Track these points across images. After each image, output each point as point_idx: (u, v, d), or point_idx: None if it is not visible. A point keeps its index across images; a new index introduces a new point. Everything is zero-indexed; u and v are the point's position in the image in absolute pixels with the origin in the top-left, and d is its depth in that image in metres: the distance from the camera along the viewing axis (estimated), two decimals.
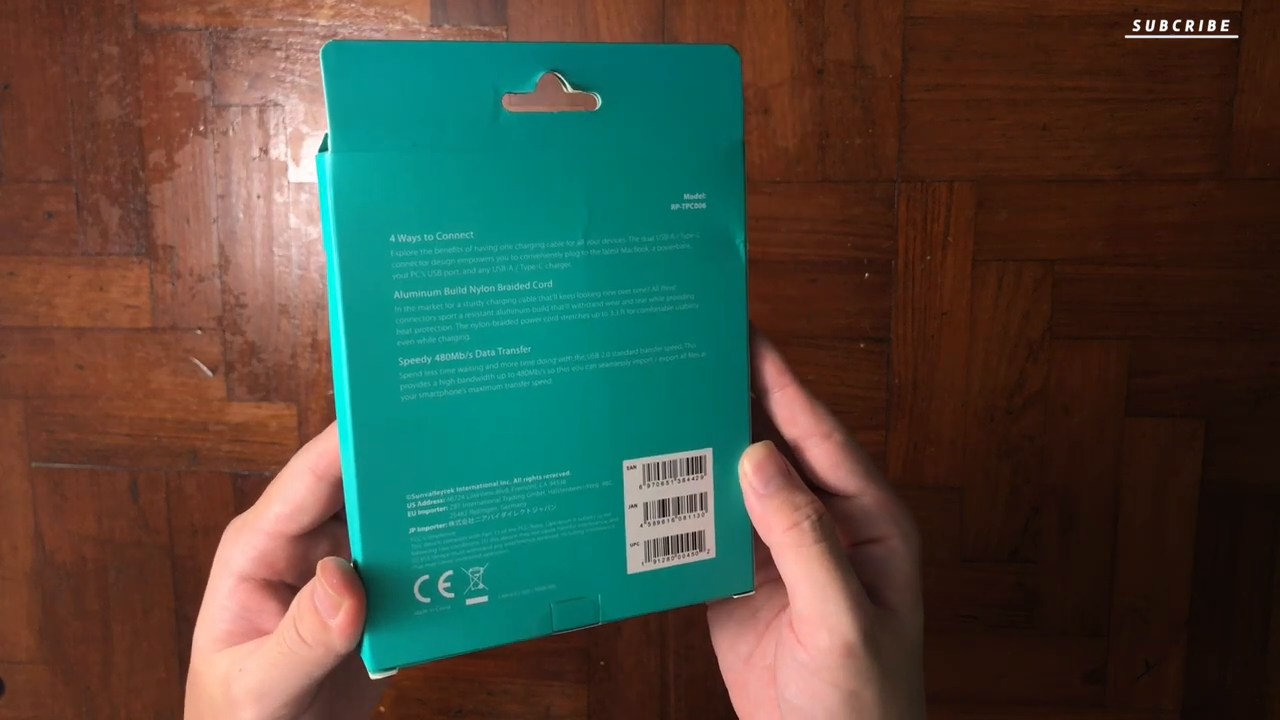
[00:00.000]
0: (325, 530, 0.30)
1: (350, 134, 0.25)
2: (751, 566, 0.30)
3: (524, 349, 0.27)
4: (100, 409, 0.69)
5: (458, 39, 0.64)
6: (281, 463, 0.68)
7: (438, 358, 0.26)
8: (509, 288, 0.27)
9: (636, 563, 0.29)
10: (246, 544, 0.29)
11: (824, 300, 0.64)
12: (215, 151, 0.66)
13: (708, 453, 0.29)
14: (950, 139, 0.62)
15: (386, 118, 0.25)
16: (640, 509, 0.29)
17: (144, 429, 0.69)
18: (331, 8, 0.64)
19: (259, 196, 0.66)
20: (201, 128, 0.66)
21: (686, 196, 0.28)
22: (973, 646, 0.67)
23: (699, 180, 0.29)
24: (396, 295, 0.26)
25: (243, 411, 0.68)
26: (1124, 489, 0.65)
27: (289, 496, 0.28)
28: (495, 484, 0.27)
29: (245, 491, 0.69)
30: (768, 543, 0.28)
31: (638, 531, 0.29)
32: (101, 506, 0.70)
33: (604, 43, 0.27)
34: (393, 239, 0.25)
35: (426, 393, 0.26)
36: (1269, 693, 0.67)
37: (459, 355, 0.26)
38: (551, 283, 0.27)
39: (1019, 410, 0.65)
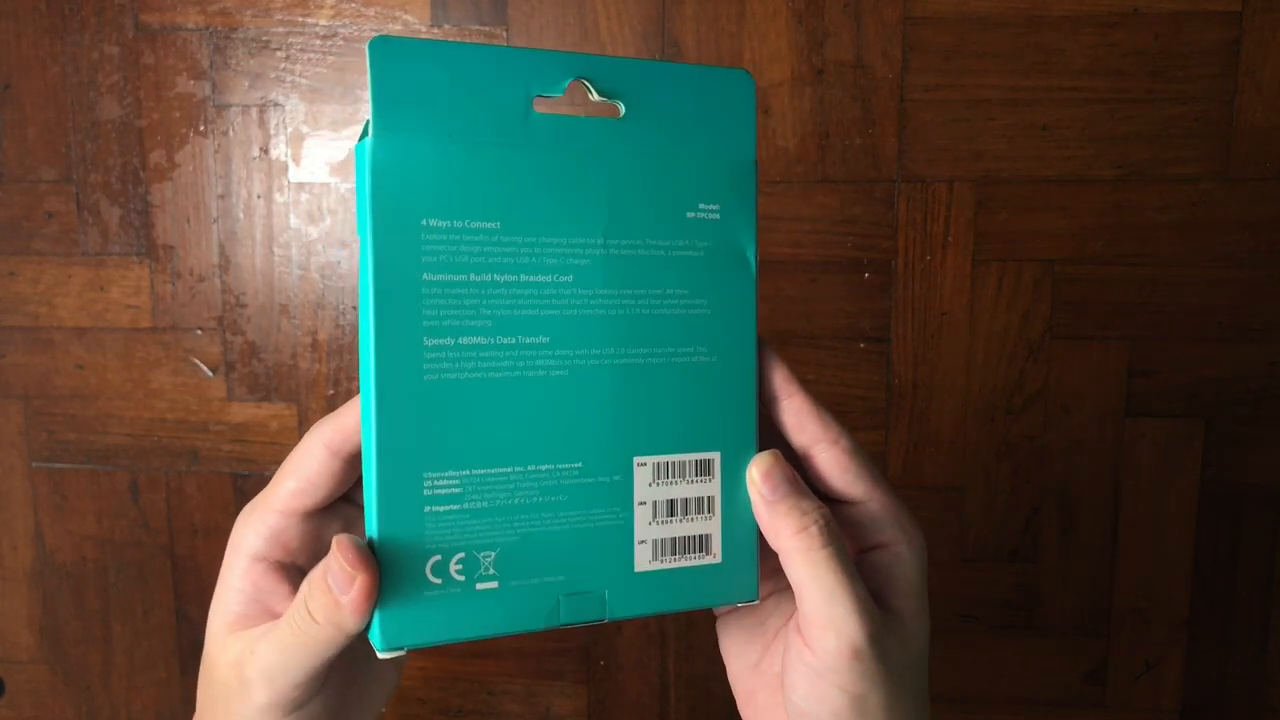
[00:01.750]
0: (337, 511, 0.30)
1: (390, 121, 0.26)
2: (756, 575, 0.30)
3: (543, 339, 0.28)
4: (100, 409, 0.69)
5: (458, 39, 0.64)
6: (281, 462, 0.68)
7: (461, 340, 0.27)
8: (531, 278, 0.28)
9: (644, 561, 0.29)
10: (260, 523, 0.29)
11: (824, 300, 0.64)
12: (215, 151, 0.66)
13: (716, 456, 0.30)
14: (950, 139, 0.62)
15: (424, 109, 0.26)
16: (649, 507, 0.29)
17: (144, 429, 0.69)
18: (332, 8, 0.64)
19: (259, 196, 0.66)
20: (202, 128, 0.66)
21: (701, 206, 0.30)
22: (973, 646, 0.67)
23: (713, 192, 0.30)
24: (425, 277, 0.27)
25: (243, 411, 0.68)
26: (1124, 489, 0.65)
27: (302, 472, 0.28)
28: (510, 469, 0.28)
29: (245, 491, 0.69)
30: (775, 548, 0.28)
31: (646, 529, 0.29)
32: (101, 506, 0.70)
33: (629, 57, 0.29)
34: (424, 222, 0.27)
35: (448, 373, 0.27)
36: (1269, 693, 0.67)
37: (481, 339, 0.27)
38: (572, 277, 0.28)
39: (1019, 410, 0.65)
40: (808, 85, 0.63)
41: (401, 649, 0.27)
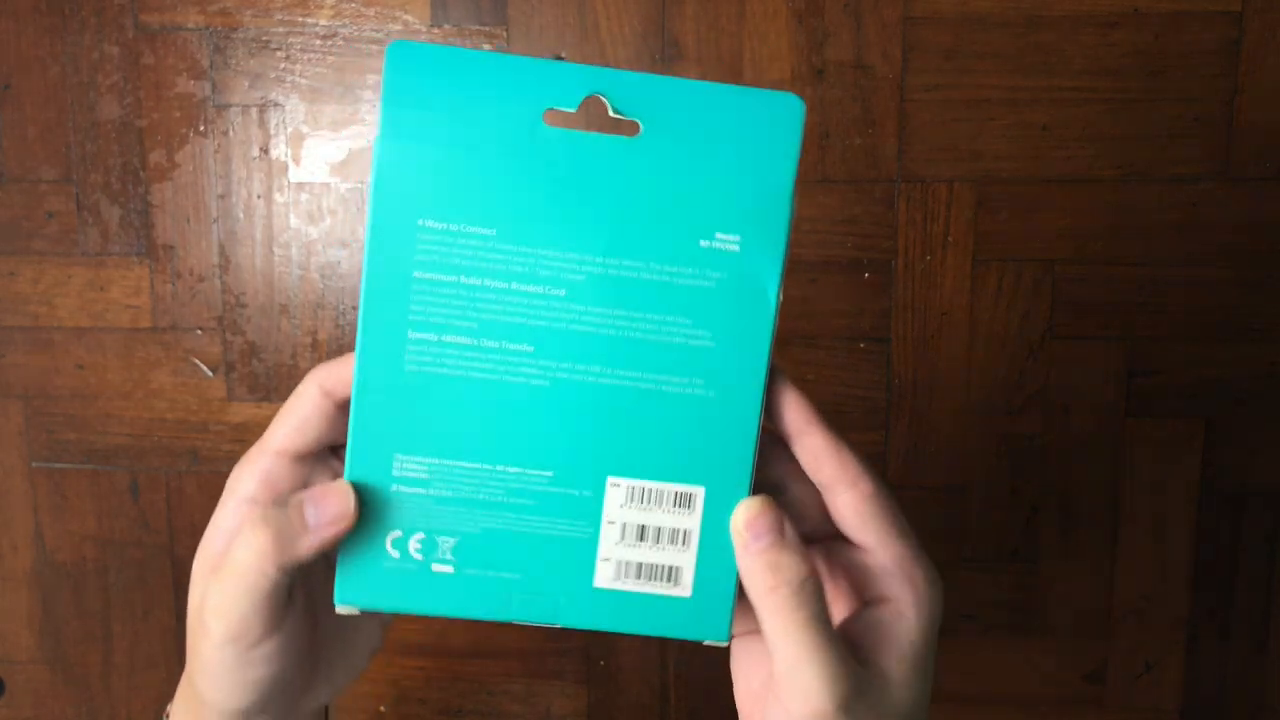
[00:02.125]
0: (326, 464, 0.30)
1: (397, 123, 0.27)
2: (729, 617, 0.30)
3: (528, 348, 0.28)
4: (100, 409, 0.69)
5: (457, 39, 0.64)
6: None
7: (445, 338, 0.28)
8: (523, 288, 0.28)
9: (605, 578, 0.30)
10: (255, 466, 0.29)
11: (824, 300, 0.64)
12: (215, 151, 0.66)
13: (699, 492, 0.29)
14: (950, 139, 0.62)
15: (433, 114, 0.27)
16: (618, 527, 0.29)
17: (144, 429, 0.69)
18: (332, 8, 0.64)
19: (259, 196, 0.66)
20: (202, 128, 0.66)
21: (719, 236, 0.28)
22: (973, 646, 0.67)
23: (735, 222, 0.28)
24: (416, 274, 0.28)
25: (243, 411, 0.68)
26: (1124, 489, 0.65)
27: (297, 412, 0.29)
28: (478, 465, 0.29)
29: None
30: (751, 599, 0.28)
31: (611, 548, 0.29)
32: (101, 506, 0.70)
33: (653, 74, 0.28)
34: (420, 223, 0.28)
35: (429, 367, 0.28)
36: (1269, 693, 0.67)
37: (465, 340, 0.28)
38: (564, 291, 0.28)
39: (1019, 410, 0.65)
40: (808, 85, 0.63)
41: (355, 608, 0.29)
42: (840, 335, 0.65)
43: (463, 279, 0.28)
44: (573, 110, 0.28)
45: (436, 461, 0.29)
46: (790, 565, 0.27)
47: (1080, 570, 0.66)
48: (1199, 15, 0.60)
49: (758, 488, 0.30)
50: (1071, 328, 0.64)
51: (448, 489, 0.29)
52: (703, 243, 0.28)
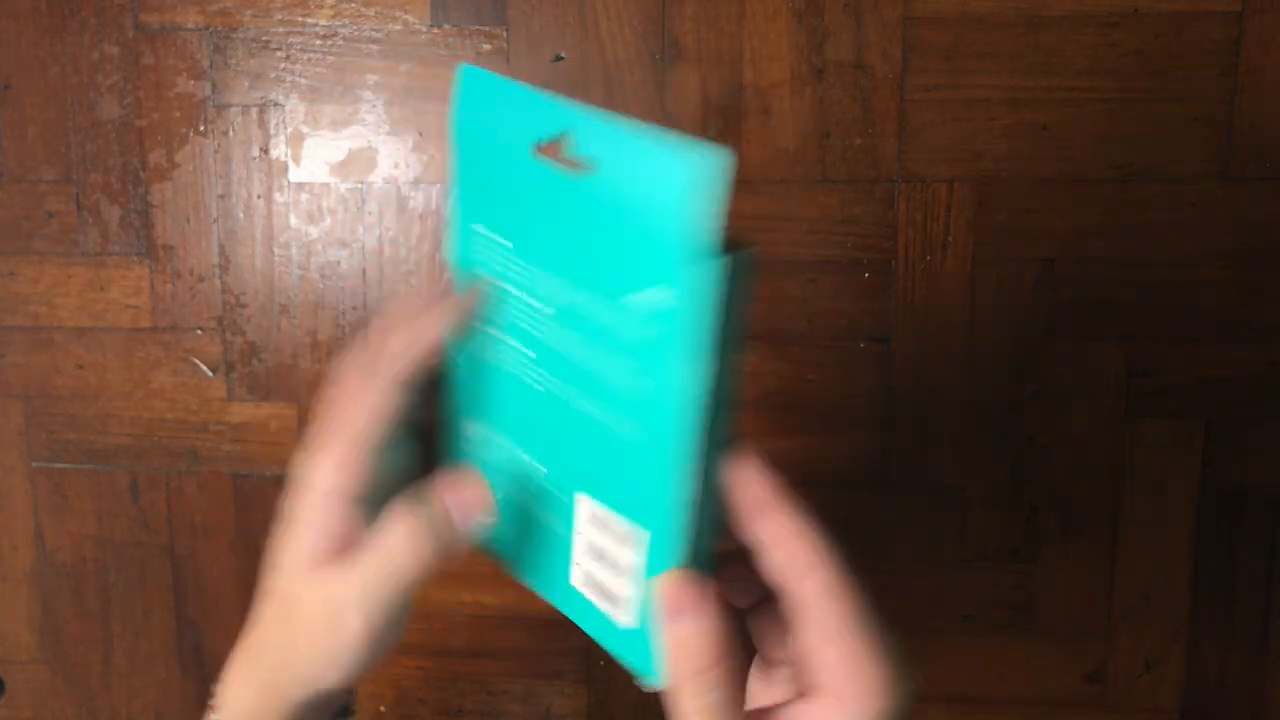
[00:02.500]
0: (397, 444, 0.32)
1: (462, 138, 0.31)
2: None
3: (531, 354, 0.31)
4: (100, 409, 0.69)
5: (457, 39, 0.64)
6: (282, 462, 0.68)
7: (488, 329, 0.32)
8: (529, 300, 0.30)
9: (576, 579, 0.31)
10: (333, 457, 0.30)
11: (824, 300, 0.64)
12: (215, 151, 0.66)
13: (644, 535, 0.28)
14: (950, 139, 0.62)
15: (482, 134, 0.31)
16: (584, 539, 0.31)
17: (144, 429, 0.69)
18: (331, 8, 0.64)
19: (259, 196, 0.66)
20: (201, 128, 0.66)
21: (653, 290, 0.26)
22: (973, 646, 0.67)
23: (667, 279, 0.25)
24: (475, 270, 0.32)
25: (243, 411, 0.68)
26: (1124, 489, 0.65)
27: (373, 405, 0.30)
28: (505, 442, 0.33)
29: (245, 491, 0.69)
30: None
31: (580, 555, 0.31)
32: (101, 506, 0.70)
33: (614, 117, 0.26)
34: (472, 225, 0.32)
35: (479, 351, 0.33)
36: (1269, 693, 0.67)
37: (495, 333, 0.32)
38: (554, 311, 0.30)
39: (1019, 410, 0.65)
40: (808, 85, 0.62)
41: None
42: (840, 335, 0.65)
43: (499, 281, 0.31)
44: (553, 143, 0.28)
45: (483, 429, 0.33)
46: (696, 652, 0.26)
47: (1080, 570, 0.66)
48: (1199, 15, 0.60)
49: (735, 547, 0.28)
50: (1071, 328, 0.64)
51: (488, 454, 0.33)
52: (643, 293, 0.26)
